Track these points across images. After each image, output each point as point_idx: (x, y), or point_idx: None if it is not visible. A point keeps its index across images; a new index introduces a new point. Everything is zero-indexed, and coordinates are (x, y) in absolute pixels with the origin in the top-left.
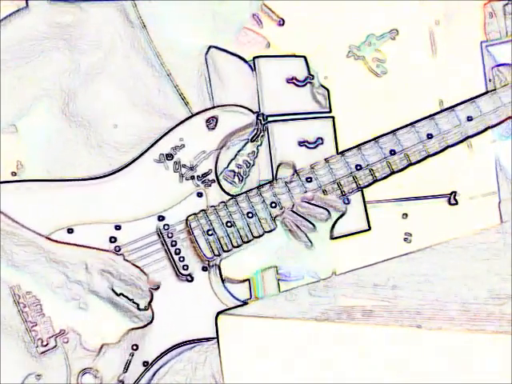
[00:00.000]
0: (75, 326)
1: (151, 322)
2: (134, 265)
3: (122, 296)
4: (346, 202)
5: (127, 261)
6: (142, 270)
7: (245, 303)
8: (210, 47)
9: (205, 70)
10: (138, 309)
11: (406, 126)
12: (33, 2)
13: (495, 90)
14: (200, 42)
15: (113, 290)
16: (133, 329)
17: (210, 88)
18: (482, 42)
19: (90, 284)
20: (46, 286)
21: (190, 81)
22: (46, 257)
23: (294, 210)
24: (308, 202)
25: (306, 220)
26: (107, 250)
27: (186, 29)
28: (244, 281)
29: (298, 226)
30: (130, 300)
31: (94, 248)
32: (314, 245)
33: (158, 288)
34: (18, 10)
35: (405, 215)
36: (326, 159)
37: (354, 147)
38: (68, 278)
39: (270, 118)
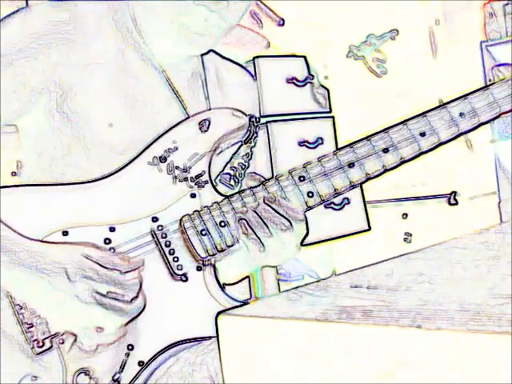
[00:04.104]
0: (70, 327)
1: (144, 308)
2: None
3: (109, 294)
4: (346, 201)
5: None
6: (122, 257)
7: (243, 303)
8: (209, 51)
9: (201, 72)
10: (128, 301)
11: (399, 123)
12: (33, 1)
13: (487, 86)
14: (194, 49)
15: (97, 292)
16: (128, 322)
17: (207, 90)
18: (481, 42)
19: (74, 291)
20: (32, 291)
21: (186, 82)
22: (32, 261)
23: (258, 211)
24: (270, 206)
25: (265, 225)
26: (86, 243)
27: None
28: (244, 279)
29: (253, 230)
30: (117, 299)
31: (72, 243)
32: (266, 250)
33: (142, 265)
34: (17, 10)
35: (405, 215)
36: (318, 158)
37: (346, 145)
38: (51, 284)
39: (270, 118)
